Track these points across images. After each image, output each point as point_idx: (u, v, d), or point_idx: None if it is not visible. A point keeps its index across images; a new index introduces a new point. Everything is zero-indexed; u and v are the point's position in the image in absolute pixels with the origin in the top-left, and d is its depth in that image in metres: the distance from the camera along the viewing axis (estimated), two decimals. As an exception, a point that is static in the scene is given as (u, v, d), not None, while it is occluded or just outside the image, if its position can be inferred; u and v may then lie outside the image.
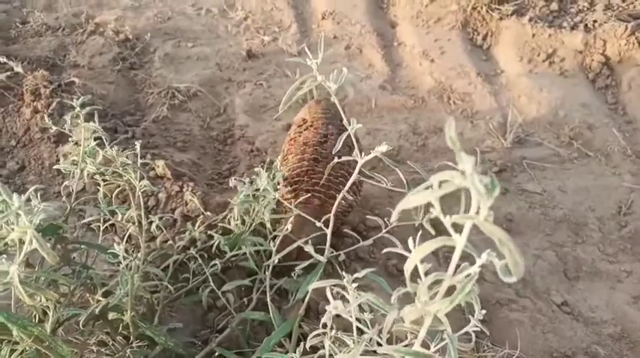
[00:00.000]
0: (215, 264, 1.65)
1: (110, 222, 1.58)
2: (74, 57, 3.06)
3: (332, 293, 0.95)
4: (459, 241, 0.61)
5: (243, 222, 1.73)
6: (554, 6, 2.92)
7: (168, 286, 1.43)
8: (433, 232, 0.69)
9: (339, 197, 1.32)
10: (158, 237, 1.93)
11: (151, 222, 1.82)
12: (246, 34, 3.25)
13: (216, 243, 1.70)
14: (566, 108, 2.52)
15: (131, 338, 1.26)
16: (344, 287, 0.96)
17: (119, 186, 1.66)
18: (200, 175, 2.35)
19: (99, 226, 1.65)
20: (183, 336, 1.61)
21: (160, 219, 1.81)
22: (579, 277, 1.97)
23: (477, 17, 2.95)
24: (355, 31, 3.14)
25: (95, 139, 1.58)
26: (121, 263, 1.18)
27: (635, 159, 2.35)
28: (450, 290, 0.70)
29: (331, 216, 1.36)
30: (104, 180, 1.65)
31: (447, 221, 0.59)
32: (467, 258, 0.68)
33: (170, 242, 1.85)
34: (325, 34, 3.19)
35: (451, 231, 0.61)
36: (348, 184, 1.29)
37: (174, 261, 1.76)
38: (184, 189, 2.06)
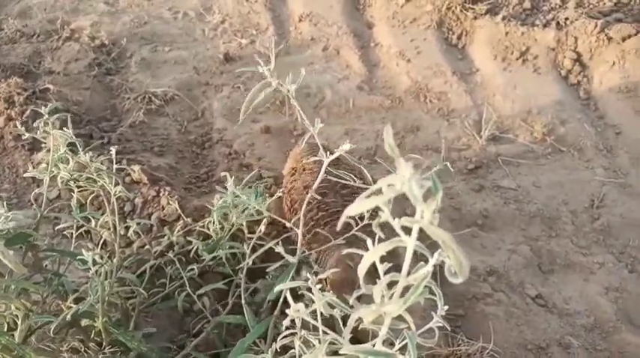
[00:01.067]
0: (192, 269, 1.65)
1: (83, 229, 1.57)
2: (49, 63, 3.03)
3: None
4: (409, 243, 0.62)
5: (222, 228, 1.73)
6: (526, 4, 2.96)
7: (142, 291, 1.43)
8: (382, 235, 0.70)
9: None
10: (135, 243, 1.93)
11: (127, 228, 1.81)
12: (223, 38, 3.25)
13: (194, 248, 1.71)
14: (540, 105, 2.56)
15: (104, 344, 1.26)
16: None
17: (93, 193, 1.65)
18: (177, 179, 2.34)
19: (72, 233, 1.65)
20: (160, 341, 1.61)
21: (137, 224, 1.80)
22: (553, 270, 2.00)
23: (452, 17, 2.99)
24: (332, 33, 3.16)
25: (69, 145, 1.58)
26: (90, 269, 1.18)
27: (606, 153, 2.39)
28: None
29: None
30: (78, 187, 1.65)
31: (395, 224, 0.61)
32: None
33: (147, 247, 1.85)
34: (302, 36, 3.20)
35: (401, 233, 0.62)
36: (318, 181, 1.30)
37: (151, 266, 1.76)
38: (161, 194, 2.06)
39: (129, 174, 2.17)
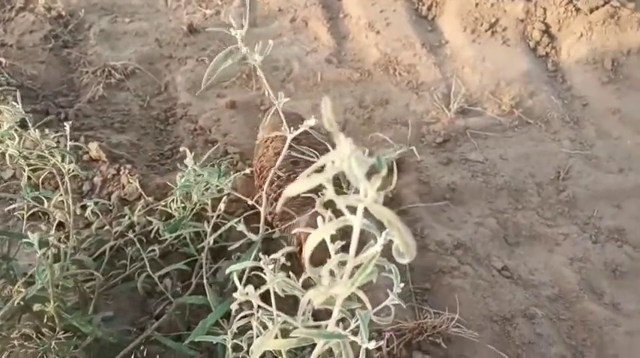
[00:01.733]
0: (153, 250, 1.60)
1: (35, 210, 1.50)
2: (1, 36, 2.86)
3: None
4: (355, 222, 0.59)
5: (185, 207, 1.68)
6: (496, -26, 2.92)
7: (97, 274, 1.38)
8: (327, 214, 0.67)
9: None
10: (94, 223, 1.86)
11: (84, 207, 1.75)
12: (187, 8, 3.12)
13: (155, 228, 1.65)
14: (508, 78, 2.55)
15: (57, 329, 1.21)
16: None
17: (48, 172, 1.58)
18: (140, 157, 2.26)
19: (24, 215, 1.57)
20: (121, 324, 1.57)
21: (96, 204, 1.74)
22: (519, 242, 2.02)
23: (422, -13, 2.93)
24: (301, 3, 3.06)
25: (19, 122, 1.49)
26: (37, 252, 1.12)
27: (573, 125, 2.40)
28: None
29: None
30: (29, 165, 1.57)
31: (340, 202, 0.57)
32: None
33: (107, 227, 1.79)
34: (270, 7, 3.10)
35: (345, 211, 0.59)
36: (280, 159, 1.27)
37: (111, 247, 1.70)
38: (121, 172, 1.98)
39: (87, 152, 2.08)
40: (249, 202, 1.35)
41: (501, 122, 2.42)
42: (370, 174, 0.58)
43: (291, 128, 1.97)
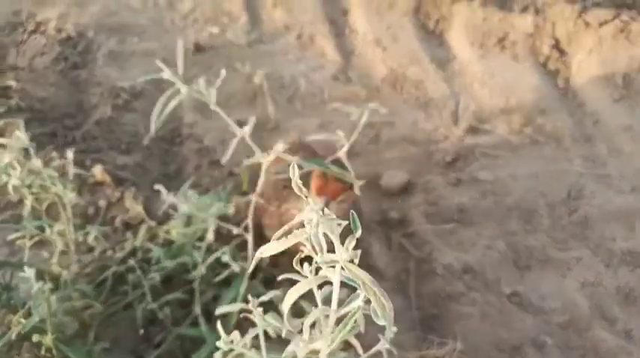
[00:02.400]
0: (153, 277, 1.60)
1: (37, 239, 1.50)
2: (14, 59, 2.91)
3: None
4: (335, 279, 0.57)
5: (185, 234, 1.67)
6: (505, -12, 2.88)
7: (93, 302, 1.37)
8: (303, 271, 0.64)
9: None
10: (97, 249, 1.86)
11: (86, 233, 1.75)
12: (194, 27, 3.14)
13: (156, 255, 1.65)
14: (518, 94, 2.50)
15: (55, 362, 1.20)
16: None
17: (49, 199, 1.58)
18: (145, 178, 2.26)
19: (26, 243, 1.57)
20: (121, 353, 1.56)
21: (100, 228, 1.75)
22: (530, 266, 1.96)
23: (429, 2, 2.90)
24: (307, 20, 3.06)
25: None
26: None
27: (584, 142, 2.35)
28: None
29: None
30: (32, 193, 1.57)
31: (319, 260, 0.55)
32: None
33: (109, 253, 1.78)
34: (276, 24, 3.10)
35: (326, 269, 0.56)
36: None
37: (113, 273, 1.70)
38: (125, 196, 1.98)
39: (92, 176, 2.09)
40: (235, 231, 1.34)
41: (511, 140, 2.37)
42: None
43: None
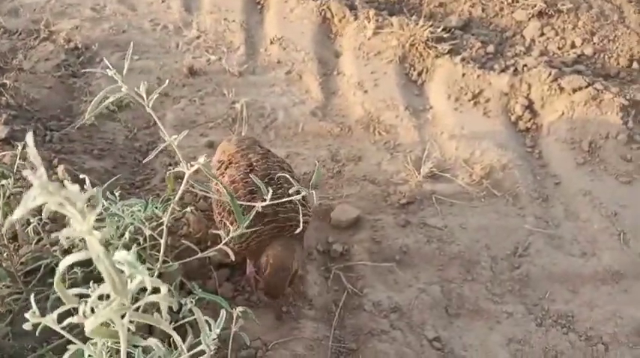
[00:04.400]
0: (75, 271, 1.66)
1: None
2: (20, 61, 3.12)
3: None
4: (93, 254, 0.62)
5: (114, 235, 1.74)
6: (490, 48, 2.97)
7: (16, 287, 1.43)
8: None
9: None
10: (42, 241, 1.94)
11: (28, 223, 1.83)
12: (194, 52, 3.31)
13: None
14: (483, 148, 2.54)
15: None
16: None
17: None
18: (110, 184, 2.36)
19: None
20: (33, 341, 1.61)
21: (40, 222, 1.82)
22: (460, 314, 1.95)
23: (415, 53, 3.01)
24: (299, 58, 3.20)
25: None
26: None
27: (541, 202, 2.35)
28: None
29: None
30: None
31: (68, 231, 0.61)
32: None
33: (47, 246, 1.86)
34: (270, 59, 3.25)
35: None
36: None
37: (46, 265, 1.78)
38: (79, 195, 2.07)
39: (55, 173, 2.19)
40: (148, 233, 1.40)
41: (469, 191, 2.40)
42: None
43: (249, 153, 2.01)
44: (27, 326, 0.86)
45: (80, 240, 1.84)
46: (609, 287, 2.04)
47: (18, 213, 0.55)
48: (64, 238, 0.61)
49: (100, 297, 0.73)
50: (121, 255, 0.62)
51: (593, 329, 1.91)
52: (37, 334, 0.93)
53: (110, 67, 1.21)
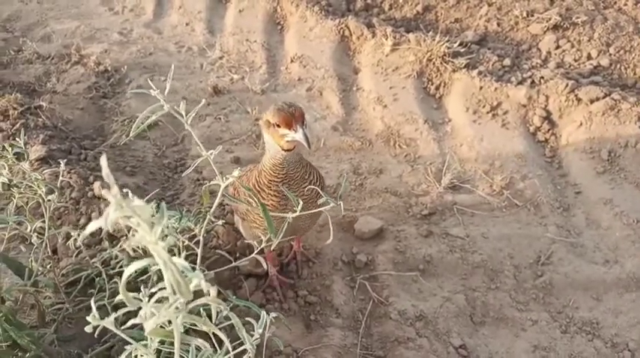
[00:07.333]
0: (115, 282, 1.74)
1: (14, 232, 1.69)
2: (54, 84, 3.27)
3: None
4: (159, 259, 0.70)
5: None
6: (507, 61, 3.03)
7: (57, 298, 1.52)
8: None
9: None
10: (82, 253, 2.04)
11: (68, 238, 1.93)
12: (218, 72, 3.44)
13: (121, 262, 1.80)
14: (503, 159, 2.59)
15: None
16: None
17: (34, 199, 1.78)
18: (142, 199, 2.46)
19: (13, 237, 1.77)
20: (77, 348, 1.69)
21: (78, 235, 1.92)
22: (485, 322, 1.99)
23: (432, 68, 3.08)
24: (319, 75, 3.29)
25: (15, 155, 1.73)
26: None
27: (562, 211, 2.38)
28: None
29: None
30: (20, 194, 1.78)
31: (134, 240, 0.68)
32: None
33: (87, 258, 1.95)
34: (291, 76, 3.35)
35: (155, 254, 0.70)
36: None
37: (86, 277, 1.87)
38: (114, 210, 2.17)
39: (91, 189, 2.30)
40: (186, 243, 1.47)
41: (490, 201, 2.44)
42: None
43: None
44: (88, 329, 0.93)
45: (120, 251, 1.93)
46: (633, 294, 2.05)
47: (93, 226, 0.63)
48: (129, 247, 0.68)
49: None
50: (179, 261, 0.69)
51: (618, 336, 1.93)
52: (95, 335, 1.00)
53: (154, 87, 1.29)
